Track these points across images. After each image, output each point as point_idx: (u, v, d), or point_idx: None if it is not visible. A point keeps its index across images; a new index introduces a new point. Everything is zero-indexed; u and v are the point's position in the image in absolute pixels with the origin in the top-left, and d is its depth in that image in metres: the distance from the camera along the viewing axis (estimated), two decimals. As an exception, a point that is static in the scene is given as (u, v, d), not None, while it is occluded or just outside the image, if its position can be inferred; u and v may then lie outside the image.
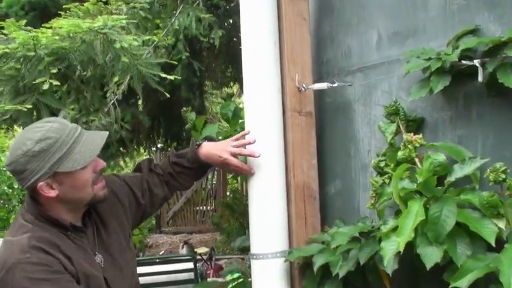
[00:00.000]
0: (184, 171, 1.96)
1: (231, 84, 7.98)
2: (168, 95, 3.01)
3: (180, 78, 4.46)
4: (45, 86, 2.18)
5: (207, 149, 1.92)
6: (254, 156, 1.91)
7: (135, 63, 2.48)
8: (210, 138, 2.05)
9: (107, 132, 1.65)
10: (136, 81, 2.69)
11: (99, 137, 1.60)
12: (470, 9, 1.69)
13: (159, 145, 7.22)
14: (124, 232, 1.77)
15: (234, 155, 1.91)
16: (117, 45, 2.29)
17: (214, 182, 10.62)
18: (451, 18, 1.73)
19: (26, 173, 1.49)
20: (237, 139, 1.96)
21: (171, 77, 2.73)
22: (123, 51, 2.36)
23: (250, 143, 1.94)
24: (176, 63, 3.69)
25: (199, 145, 1.94)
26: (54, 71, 2.24)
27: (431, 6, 1.78)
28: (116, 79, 2.76)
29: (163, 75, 2.64)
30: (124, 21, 2.50)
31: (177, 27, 3.55)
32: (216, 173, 10.31)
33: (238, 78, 7.03)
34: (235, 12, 5.12)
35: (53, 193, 1.52)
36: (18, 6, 4.22)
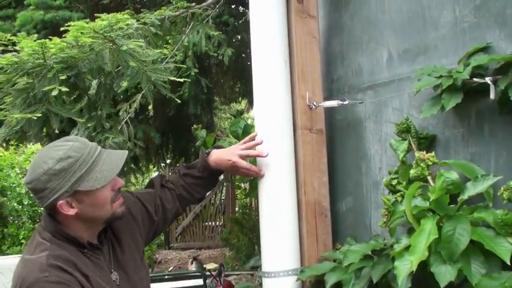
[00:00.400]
0: (196, 182, 1.98)
1: (240, 99, 8.01)
2: (179, 101, 2.99)
3: (187, 93, 4.49)
4: (54, 93, 2.17)
5: (217, 155, 1.95)
6: (262, 156, 1.94)
7: (144, 69, 2.48)
8: (218, 147, 2.08)
9: (127, 152, 1.66)
10: (146, 88, 2.68)
11: (119, 156, 1.62)
12: (481, 27, 1.69)
13: (167, 161, 7.24)
14: (138, 249, 1.77)
15: (243, 158, 1.93)
16: (124, 48, 2.29)
17: (223, 198, 10.60)
18: (462, 35, 1.73)
19: (46, 191, 1.50)
20: (245, 142, 1.99)
21: (181, 80, 2.70)
22: (130, 57, 2.35)
23: (257, 144, 1.97)
24: (185, 74, 3.69)
25: (208, 153, 1.97)
26: (63, 77, 2.23)
27: (441, 24, 1.79)
28: (125, 84, 2.75)
29: (173, 78, 2.62)
30: (129, 23, 2.49)
31: (186, 44, 3.57)
32: (224, 188, 10.30)
33: (246, 94, 7.05)
34: (243, 29, 5.15)
35: (72, 211, 1.53)
36: (31, 25, 4.26)
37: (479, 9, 1.71)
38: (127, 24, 2.27)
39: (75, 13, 4.72)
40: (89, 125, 2.91)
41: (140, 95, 2.98)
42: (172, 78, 2.45)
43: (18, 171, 8.45)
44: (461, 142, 1.70)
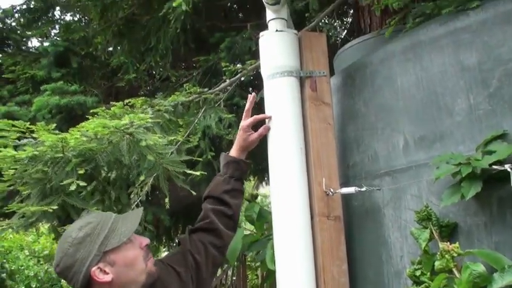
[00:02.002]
0: (224, 189, 1.97)
1: (250, 178, 8.01)
2: (194, 193, 3.00)
3: (200, 175, 4.50)
4: (73, 187, 2.20)
5: (234, 145, 2.07)
6: (265, 116, 2.08)
7: (160, 162, 2.50)
8: None
9: (141, 208, 1.70)
10: (162, 180, 2.70)
11: (135, 213, 1.67)
12: (497, 114, 1.70)
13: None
14: None
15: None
16: (143, 144, 2.32)
17: (234, 278, 10.36)
18: (477, 123, 1.74)
19: (77, 264, 1.50)
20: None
21: (197, 173, 2.72)
22: (148, 150, 2.38)
23: (265, 117, 2.10)
24: (200, 159, 3.73)
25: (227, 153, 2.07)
26: (82, 172, 2.26)
27: (456, 112, 1.80)
28: (142, 178, 2.77)
29: (189, 171, 2.65)
30: (150, 120, 2.55)
31: (199, 126, 3.62)
32: (235, 268, 10.09)
33: (256, 172, 7.07)
34: (254, 108, 5.23)
35: (108, 277, 1.52)
36: (47, 110, 4.37)
37: (493, 96, 1.72)
38: (146, 121, 2.32)
39: (89, 97, 4.84)
40: (96, 208, 2.89)
41: (152, 178, 2.99)
42: (189, 171, 2.48)
43: (28, 253, 8.36)
44: (484, 231, 1.66)
